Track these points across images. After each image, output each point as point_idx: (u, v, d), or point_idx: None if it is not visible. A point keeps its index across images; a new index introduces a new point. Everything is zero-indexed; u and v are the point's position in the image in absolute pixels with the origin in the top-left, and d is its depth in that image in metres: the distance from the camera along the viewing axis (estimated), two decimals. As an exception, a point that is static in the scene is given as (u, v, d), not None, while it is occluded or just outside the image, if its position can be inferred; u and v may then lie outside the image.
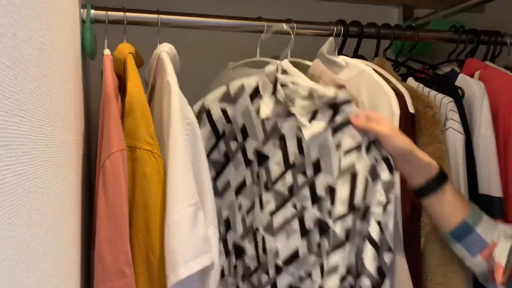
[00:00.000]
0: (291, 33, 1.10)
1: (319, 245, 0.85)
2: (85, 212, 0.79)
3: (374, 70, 1.05)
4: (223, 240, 0.96)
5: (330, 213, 0.82)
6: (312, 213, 0.85)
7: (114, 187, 0.70)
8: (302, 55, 1.10)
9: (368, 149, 0.81)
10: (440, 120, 1.00)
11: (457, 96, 1.04)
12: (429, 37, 1.27)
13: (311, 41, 1.15)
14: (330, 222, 0.82)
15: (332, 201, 0.82)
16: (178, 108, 0.80)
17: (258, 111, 0.89)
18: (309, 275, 0.85)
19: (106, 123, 0.73)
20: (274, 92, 0.87)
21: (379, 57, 1.17)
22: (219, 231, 0.85)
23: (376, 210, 0.78)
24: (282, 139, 0.88)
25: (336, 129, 0.82)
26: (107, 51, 0.90)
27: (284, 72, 0.88)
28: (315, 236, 0.85)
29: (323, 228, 0.84)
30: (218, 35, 1.21)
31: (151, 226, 0.74)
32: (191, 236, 0.71)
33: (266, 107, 0.86)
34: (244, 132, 0.92)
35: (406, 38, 1.20)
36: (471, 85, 1.07)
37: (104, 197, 0.70)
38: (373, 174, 0.80)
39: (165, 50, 0.88)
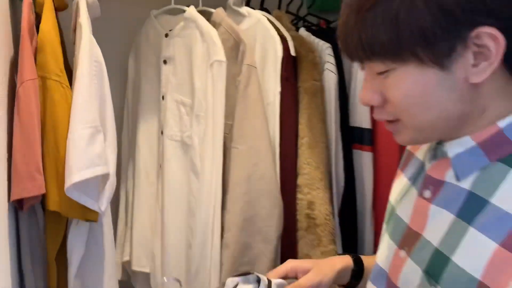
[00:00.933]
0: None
1: None
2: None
3: (269, 20, 1.22)
4: None
5: None
6: None
7: (26, 109, 0.88)
8: (215, 5, 1.26)
9: None
10: (318, 63, 1.21)
11: (335, 42, 1.23)
12: None
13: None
14: None
15: None
16: (87, 47, 0.98)
17: None
18: None
19: (20, 57, 0.91)
20: None
21: (281, 10, 1.35)
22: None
23: None
24: None
25: None
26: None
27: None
28: None
29: None
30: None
31: (59, 143, 0.93)
32: (86, 151, 0.91)
33: None
34: None
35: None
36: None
37: (18, 118, 0.89)
38: None
39: (83, -5, 1.04)
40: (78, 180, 0.89)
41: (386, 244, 0.71)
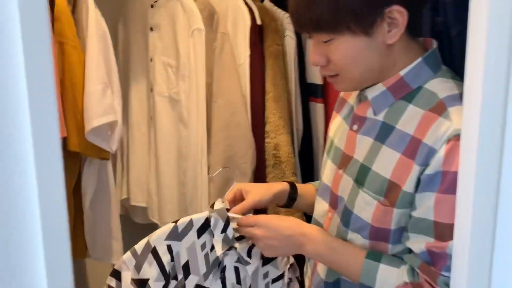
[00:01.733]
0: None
1: None
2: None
3: (238, -8, 1.46)
4: None
5: None
6: None
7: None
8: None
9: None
10: (280, 30, 1.46)
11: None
12: None
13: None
14: None
15: None
16: (94, 18, 1.19)
17: (203, 246, 0.89)
18: None
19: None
20: (225, 230, 0.88)
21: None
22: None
23: None
24: (223, 271, 0.91)
25: (265, 262, 0.93)
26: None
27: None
28: None
29: None
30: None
31: (77, 96, 1.16)
32: (100, 102, 1.14)
33: (219, 244, 0.88)
34: (186, 269, 0.89)
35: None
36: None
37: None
38: None
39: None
40: (96, 125, 1.13)
41: (329, 166, 0.93)
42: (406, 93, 0.81)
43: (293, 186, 1.01)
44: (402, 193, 0.77)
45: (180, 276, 0.89)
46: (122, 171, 1.57)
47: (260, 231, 0.86)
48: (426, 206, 0.75)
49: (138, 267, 0.84)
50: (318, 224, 0.94)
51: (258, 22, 1.42)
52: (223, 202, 0.90)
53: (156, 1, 1.46)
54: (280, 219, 0.91)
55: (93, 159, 1.25)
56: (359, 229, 0.83)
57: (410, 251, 0.80)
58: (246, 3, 1.44)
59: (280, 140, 1.44)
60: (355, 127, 0.88)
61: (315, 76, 1.52)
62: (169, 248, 0.87)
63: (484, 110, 0.62)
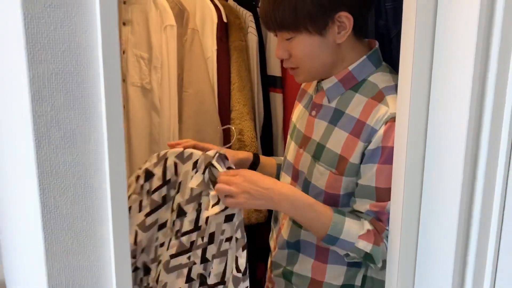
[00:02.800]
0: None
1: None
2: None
3: (205, -8, 1.60)
4: (133, 258, 1.09)
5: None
6: (198, 269, 1.04)
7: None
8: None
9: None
10: (244, 27, 1.62)
11: (255, 10, 1.65)
12: None
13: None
14: (209, 280, 1.02)
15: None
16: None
17: (192, 178, 1.05)
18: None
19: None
20: (204, 172, 1.01)
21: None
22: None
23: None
24: (200, 206, 1.05)
25: (225, 220, 1.02)
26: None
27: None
28: (196, 285, 1.05)
29: (203, 281, 1.04)
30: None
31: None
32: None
33: (195, 180, 1.02)
34: (179, 187, 1.07)
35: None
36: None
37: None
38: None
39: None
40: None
41: (292, 147, 1.10)
42: (353, 84, 0.98)
43: (256, 156, 1.18)
44: (349, 164, 0.93)
45: (174, 191, 1.07)
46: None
47: (240, 178, 0.92)
48: (369, 174, 0.91)
49: (155, 164, 1.07)
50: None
51: (224, 19, 1.57)
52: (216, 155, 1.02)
53: (128, -2, 1.57)
54: (260, 175, 0.96)
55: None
56: (316, 196, 0.98)
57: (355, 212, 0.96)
58: (213, 2, 1.59)
59: (244, 126, 1.61)
60: (313, 113, 1.04)
61: (275, 70, 1.70)
62: (175, 164, 1.06)
63: (413, 97, 0.80)
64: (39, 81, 0.53)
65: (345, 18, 0.92)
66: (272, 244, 1.17)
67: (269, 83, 1.72)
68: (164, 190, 1.07)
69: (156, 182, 1.07)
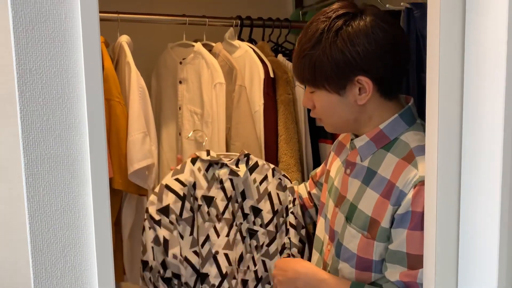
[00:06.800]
0: (206, 24, 1.72)
1: (250, 245, 1.26)
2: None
3: (253, 50, 1.70)
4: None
5: (254, 223, 1.26)
6: (244, 225, 1.25)
7: (100, 122, 1.34)
8: (213, 39, 1.73)
9: (273, 174, 1.29)
10: (291, 81, 1.68)
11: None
12: (296, 27, 1.90)
13: (220, 29, 1.77)
14: (255, 227, 1.26)
15: (255, 215, 1.25)
16: (135, 78, 1.43)
17: (199, 169, 1.23)
18: (248, 267, 1.26)
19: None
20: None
21: (265, 40, 1.81)
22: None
23: (289, 206, 1.27)
24: (221, 183, 1.24)
25: (251, 170, 1.28)
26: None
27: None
28: (247, 240, 1.25)
29: (251, 234, 1.26)
30: (159, 26, 1.80)
31: (121, 143, 1.39)
32: (141, 149, 1.37)
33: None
34: (194, 186, 1.23)
35: (282, 27, 1.83)
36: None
37: (95, 127, 1.34)
38: (280, 187, 1.30)
39: (124, 40, 1.49)
40: (137, 168, 1.35)
41: (330, 203, 1.09)
42: (385, 143, 0.97)
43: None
44: (380, 228, 0.91)
45: (192, 191, 1.22)
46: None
47: (275, 270, 1.10)
48: (399, 240, 0.89)
49: (159, 199, 1.18)
50: (318, 238, 1.12)
51: (271, 75, 1.65)
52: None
53: (184, 59, 1.71)
54: (284, 262, 1.10)
55: (132, 195, 1.47)
56: (348, 259, 0.97)
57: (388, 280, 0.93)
58: (261, 59, 1.68)
59: (292, 178, 1.64)
60: (348, 171, 1.04)
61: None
62: (177, 179, 1.21)
63: (440, 159, 0.78)
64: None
65: (365, 82, 0.93)
66: None
67: (319, 134, 1.74)
68: (187, 204, 1.20)
69: (175, 207, 1.19)
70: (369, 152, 0.99)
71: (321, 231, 1.13)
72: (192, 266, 1.19)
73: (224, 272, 1.21)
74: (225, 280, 1.22)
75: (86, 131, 0.61)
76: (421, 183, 0.87)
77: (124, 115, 1.40)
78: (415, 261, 0.88)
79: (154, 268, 1.16)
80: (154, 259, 1.16)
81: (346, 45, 0.90)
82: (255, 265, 1.26)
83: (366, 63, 0.91)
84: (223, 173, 1.23)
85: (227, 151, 1.63)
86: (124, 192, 1.47)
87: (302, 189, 1.32)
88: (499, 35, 0.68)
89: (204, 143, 1.48)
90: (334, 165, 1.14)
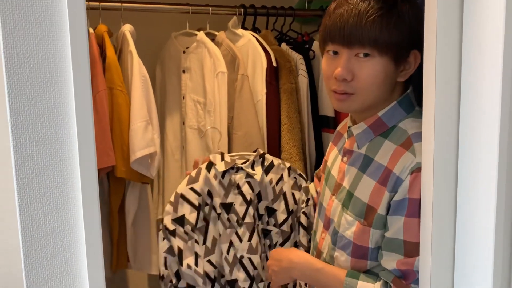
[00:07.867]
0: (209, 13, 1.72)
1: (264, 245, 1.26)
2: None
3: (256, 39, 1.69)
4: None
5: (268, 223, 1.27)
6: (259, 226, 1.25)
7: (101, 110, 1.35)
8: (216, 27, 1.72)
9: (289, 174, 1.28)
10: (294, 70, 1.68)
11: (307, 55, 1.70)
12: (301, 15, 1.89)
13: (223, 18, 1.77)
14: (269, 227, 1.26)
15: (269, 215, 1.26)
16: (137, 67, 1.44)
17: (215, 176, 1.20)
18: (263, 267, 1.26)
19: (93, 74, 1.37)
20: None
21: (268, 28, 1.81)
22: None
23: (302, 206, 1.26)
24: (238, 187, 1.22)
25: (266, 171, 1.26)
26: (91, 30, 1.49)
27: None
28: (262, 240, 1.26)
29: (265, 233, 1.27)
30: (163, 15, 1.80)
31: (123, 132, 1.40)
32: (143, 137, 1.38)
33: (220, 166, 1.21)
34: (210, 194, 1.20)
35: (286, 15, 1.82)
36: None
37: (96, 116, 1.35)
38: (296, 186, 1.29)
39: (127, 29, 1.50)
40: (139, 156, 1.36)
41: (326, 192, 1.08)
42: (383, 130, 0.95)
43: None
44: (377, 215, 0.91)
45: (209, 200, 1.20)
46: (158, 193, 1.80)
47: (269, 260, 1.11)
48: (396, 227, 0.88)
49: (175, 209, 1.16)
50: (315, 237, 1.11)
51: (274, 64, 1.65)
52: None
53: (187, 48, 1.71)
54: (279, 252, 1.10)
55: (136, 183, 1.49)
56: (343, 247, 0.96)
57: (384, 268, 0.93)
58: (264, 48, 1.67)
59: (294, 167, 1.64)
60: (345, 159, 1.03)
61: (328, 110, 1.72)
62: (192, 189, 1.18)
63: (437, 145, 0.77)
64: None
65: (414, 57, 0.91)
66: None
67: (322, 123, 1.74)
68: (201, 214, 1.19)
69: (190, 218, 1.17)
70: (366, 139, 0.98)
71: (316, 220, 1.13)
72: (207, 276, 1.19)
73: (252, 275, 1.22)
74: (254, 283, 1.22)
75: (74, 115, 0.62)
76: (418, 169, 0.86)
77: (126, 104, 1.41)
78: (412, 249, 0.87)
79: (166, 277, 1.16)
80: (166, 268, 1.16)
81: (418, 14, 0.89)
82: None
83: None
84: (239, 177, 1.22)
85: (229, 140, 1.63)
86: (127, 180, 1.49)
87: (312, 189, 1.32)
88: (497, 21, 0.67)
89: (205, 132, 1.47)
90: (332, 155, 1.13)
